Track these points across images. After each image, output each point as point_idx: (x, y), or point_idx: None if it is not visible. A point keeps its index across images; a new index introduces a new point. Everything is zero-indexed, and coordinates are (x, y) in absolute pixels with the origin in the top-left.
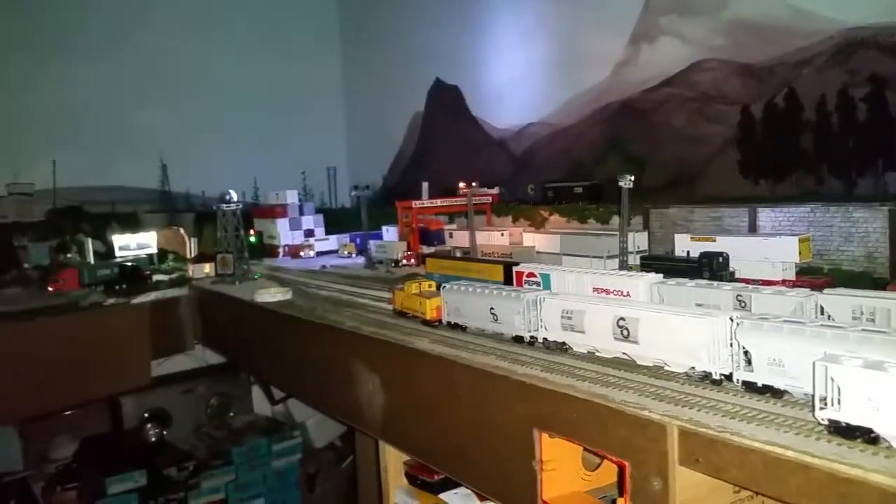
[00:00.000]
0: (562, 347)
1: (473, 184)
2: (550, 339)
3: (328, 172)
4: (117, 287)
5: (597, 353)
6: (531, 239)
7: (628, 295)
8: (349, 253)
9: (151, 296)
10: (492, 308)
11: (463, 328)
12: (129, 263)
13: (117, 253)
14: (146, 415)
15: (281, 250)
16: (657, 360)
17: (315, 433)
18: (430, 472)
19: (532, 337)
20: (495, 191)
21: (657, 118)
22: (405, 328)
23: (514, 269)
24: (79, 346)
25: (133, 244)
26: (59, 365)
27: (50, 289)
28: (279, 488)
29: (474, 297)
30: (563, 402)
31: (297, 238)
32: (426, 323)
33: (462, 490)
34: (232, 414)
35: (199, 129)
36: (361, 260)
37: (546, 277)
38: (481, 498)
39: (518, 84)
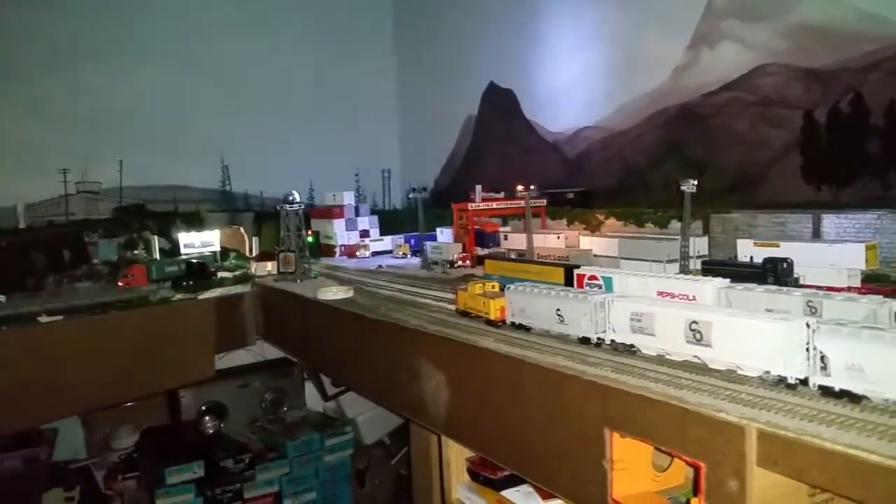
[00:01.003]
0: (630, 350)
1: (532, 187)
2: (618, 341)
3: (383, 174)
4: (184, 283)
5: (666, 356)
6: (588, 242)
7: (694, 299)
8: (404, 253)
9: (216, 292)
10: (558, 309)
11: (527, 329)
12: (196, 260)
13: (182, 250)
14: (203, 407)
15: (337, 250)
16: (730, 364)
17: (365, 430)
18: (492, 468)
19: (599, 339)
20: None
21: (717, 122)
22: (469, 328)
23: (576, 271)
24: (148, 340)
25: (197, 242)
26: (129, 357)
27: (120, 284)
28: (331, 482)
29: (540, 299)
30: (636, 403)
31: (353, 238)
32: (490, 323)
33: (524, 487)
34: (285, 409)
35: (257, 131)
36: (416, 260)
37: (608, 280)
38: (544, 496)
39: (573, 88)
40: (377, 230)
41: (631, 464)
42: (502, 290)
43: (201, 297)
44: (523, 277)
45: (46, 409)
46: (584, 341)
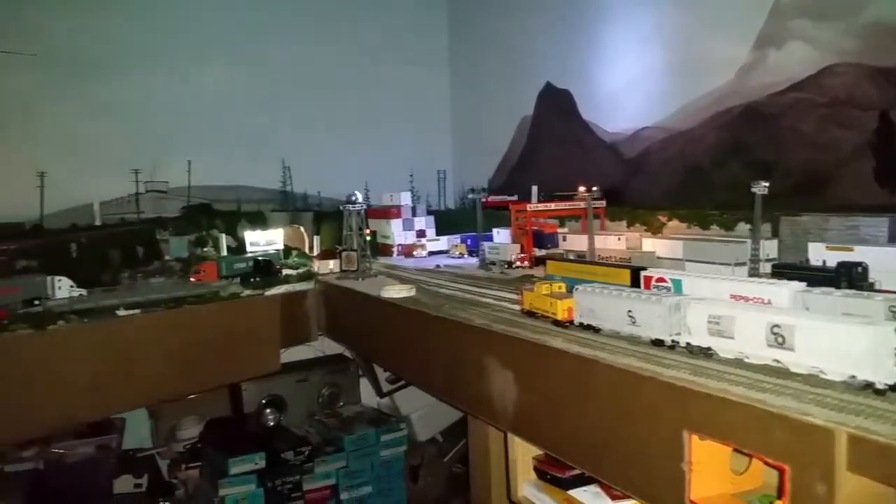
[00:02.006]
0: (706, 352)
1: (594, 188)
2: (694, 343)
3: (438, 175)
4: (252, 279)
5: (745, 360)
6: (651, 244)
7: (769, 303)
8: (460, 254)
9: (282, 289)
10: (630, 311)
11: (596, 329)
12: (262, 258)
13: (248, 248)
14: (264, 400)
15: (395, 249)
16: (812, 368)
17: (419, 427)
18: (560, 467)
19: (674, 341)
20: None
21: (783, 123)
22: (537, 328)
23: (643, 273)
24: (219, 334)
25: (262, 240)
26: (200, 350)
27: (192, 279)
28: (385, 477)
29: (610, 300)
30: (718, 406)
31: (410, 238)
32: (557, 323)
33: (592, 488)
34: (341, 404)
35: (315, 132)
36: (472, 261)
37: (678, 283)
38: (612, 496)
39: (632, 88)
40: (433, 230)
41: (709, 466)
42: (569, 290)
43: (268, 293)
44: (587, 279)
45: (123, 399)
46: (658, 343)
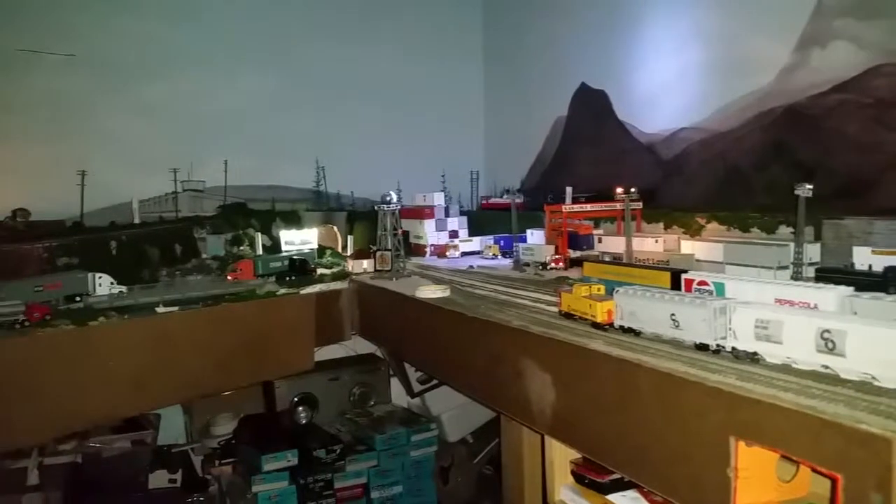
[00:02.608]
0: (752, 357)
1: (632, 189)
2: (740, 348)
3: (471, 176)
4: (287, 278)
5: (793, 365)
6: (690, 247)
7: (815, 307)
8: (493, 254)
9: (317, 288)
10: (673, 314)
11: (637, 333)
12: (298, 257)
13: (283, 247)
14: (296, 398)
15: (428, 249)
16: (864, 375)
17: (449, 427)
18: (599, 471)
19: (718, 345)
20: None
21: (827, 124)
22: (575, 330)
23: (683, 276)
24: (255, 331)
25: (297, 240)
26: (237, 347)
27: (229, 278)
28: (416, 478)
29: (653, 302)
30: (766, 412)
31: (443, 238)
32: (596, 326)
33: (631, 493)
34: (372, 403)
35: (348, 132)
36: (506, 262)
37: (720, 286)
38: (652, 502)
39: (670, 89)
40: (466, 231)
41: (755, 472)
42: (608, 293)
43: (303, 292)
44: (625, 281)
45: (161, 395)
46: (702, 347)
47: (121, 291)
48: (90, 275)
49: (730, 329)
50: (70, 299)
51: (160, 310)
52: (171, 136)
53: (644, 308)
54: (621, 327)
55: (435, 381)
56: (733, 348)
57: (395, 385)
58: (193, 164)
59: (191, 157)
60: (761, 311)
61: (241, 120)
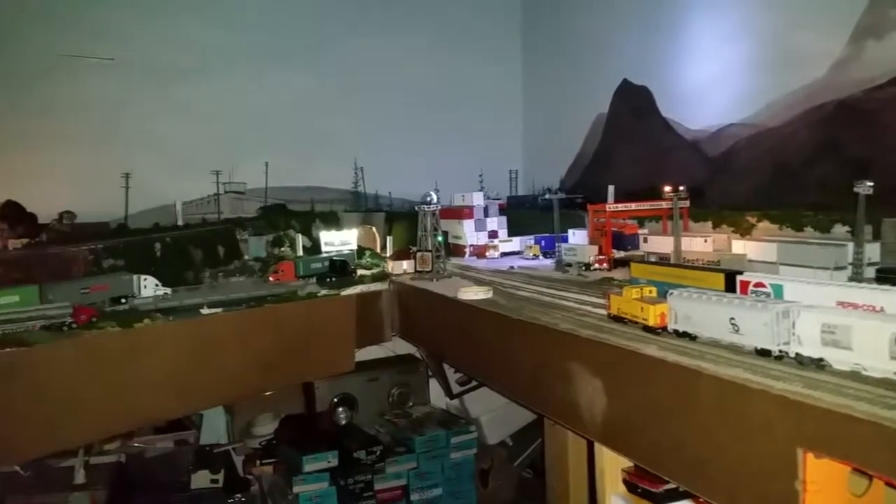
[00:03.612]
0: (818, 364)
1: (681, 188)
2: (805, 353)
3: (510, 175)
4: (328, 279)
5: (863, 372)
6: (741, 246)
7: (882, 310)
8: (534, 255)
9: (357, 289)
10: (732, 318)
11: (692, 337)
12: (338, 258)
13: (323, 248)
14: (335, 399)
15: (467, 250)
16: None
17: (489, 430)
18: (652, 480)
19: (781, 351)
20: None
21: (882, 119)
22: (626, 333)
23: (739, 278)
24: (297, 332)
25: (337, 241)
26: (279, 348)
27: (271, 279)
28: (455, 480)
29: (710, 306)
30: (838, 423)
31: (482, 239)
32: (648, 329)
33: (686, 503)
34: (411, 404)
35: (386, 133)
36: (547, 262)
37: (778, 288)
38: None
39: (716, 84)
40: (505, 231)
41: (825, 486)
42: (660, 295)
43: (344, 293)
44: (675, 282)
45: (205, 396)
46: (763, 353)
47: (165, 293)
48: (136, 277)
49: (793, 334)
50: (116, 301)
51: (204, 311)
52: (213, 138)
53: (701, 311)
54: (675, 331)
55: (474, 383)
56: (797, 354)
57: (434, 386)
58: (234, 165)
59: (232, 158)
60: (828, 314)
61: (280, 121)
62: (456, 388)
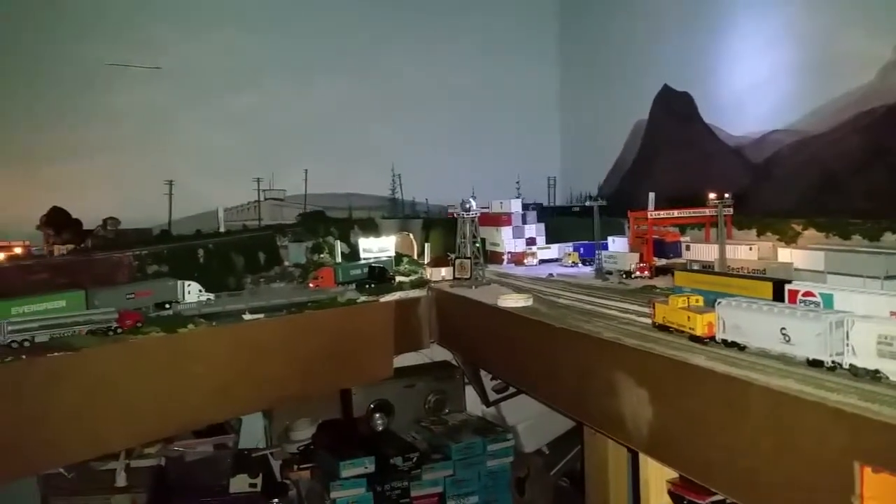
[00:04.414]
0: (874, 375)
1: (726, 195)
2: (860, 365)
3: (548, 182)
4: (367, 286)
5: None
6: (787, 255)
7: None
8: (573, 262)
9: (396, 295)
10: (783, 328)
11: (741, 347)
12: (377, 265)
13: (361, 255)
14: (372, 405)
15: (505, 257)
16: None
17: (525, 438)
18: (698, 492)
19: (834, 362)
20: None
21: None
22: (672, 343)
23: (787, 286)
24: (336, 338)
25: (375, 247)
26: (319, 354)
27: (311, 285)
28: (492, 488)
29: (760, 315)
30: None
31: (520, 246)
32: (694, 339)
33: None
34: (447, 411)
35: (423, 140)
36: (586, 269)
37: (828, 298)
38: None
39: (760, 90)
40: (544, 238)
41: (884, 501)
42: (707, 304)
43: (383, 299)
44: (720, 291)
45: (247, 401)
46: (815, 364)
47: (208, 299)
48: (179, 283)
49: (847, 344)
50: (160, 306)
51: (246, 317)
52: (253, 146)
53: (751, 321)
54: (724, 341)
55: (511, 391)
56: (851, 365)
57: (469, 393)
58: (274, 172)
59: (271, 166)
60: (885, 325)
61: (318, 129)
62: (492, 396)
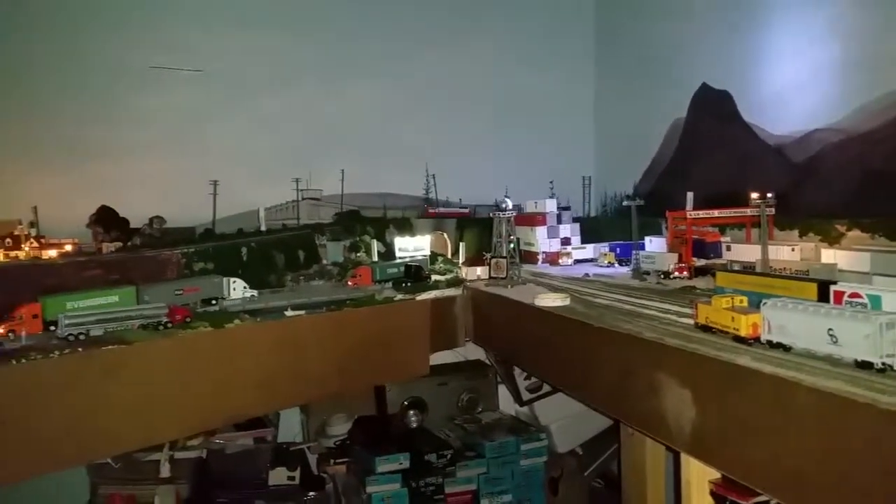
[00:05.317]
0: None
1: (769, 195)
2: None
3: (583, 181)
4: (403, 284)
5: None
6: (831, 255)
7: None
8: (609, 262)
9: (432, 294)
10: (830, 329)
11: (786, 348)
12: (413, 263)
13: (397, 254)
14: (406, 402)
15: (540, 257)
16: None
17: (559, 438)
18: (742, 493)
19: (884, 363)
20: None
21: None
22: (716, 344)
23: (833, 288)
24: (374, 335)
25: (410, 247)
26: (357, 350)
27: (349, 283)
28: (525, 487)
29: (807, 316)
30: None
31: (554, 246)
32: (738, 340)
33: None
34: (480, 409)
35: (456, 139)
36: (622, 270)
37: (876, 299)
38: None
39: (802, 88)
40: (578, 238)
41: None
42: (751, 305)
43: (419, 298)
44: (763, 292)
45: (288, 395)
46: (864, 366)
47: (252, 295)
48: (225, 279)
49: None
50: (206, 302)
51: (289, 313)
52: (292, 146)
53: (797, 322)
54: (769, 342)
55: (545, 390)
56: None
57: (502, 392)
58: (311, 172)
59: (308, 166)
60: None
61: (355, 129)
62: (526, 395)
